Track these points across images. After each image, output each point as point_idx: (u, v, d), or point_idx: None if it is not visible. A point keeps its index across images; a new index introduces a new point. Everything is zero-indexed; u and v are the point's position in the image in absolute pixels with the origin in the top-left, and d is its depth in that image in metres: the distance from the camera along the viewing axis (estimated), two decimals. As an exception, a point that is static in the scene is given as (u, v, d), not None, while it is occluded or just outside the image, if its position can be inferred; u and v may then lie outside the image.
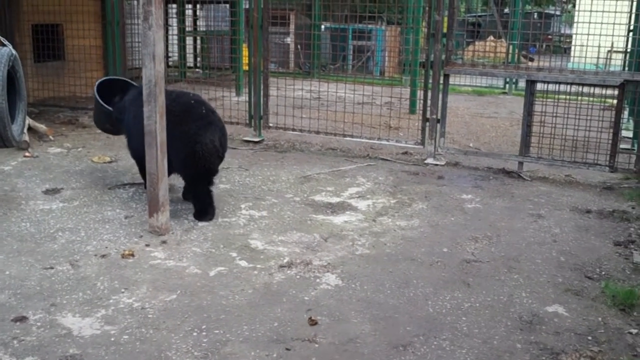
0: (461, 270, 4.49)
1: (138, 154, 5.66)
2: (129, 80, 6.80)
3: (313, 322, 3.67)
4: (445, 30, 7.37)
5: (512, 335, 3.61)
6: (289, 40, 16.71)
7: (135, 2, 12.80)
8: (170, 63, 14.68)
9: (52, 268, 4.37)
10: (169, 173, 5.24)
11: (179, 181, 5.93)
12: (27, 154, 7.43)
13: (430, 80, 7.50)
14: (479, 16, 16.93)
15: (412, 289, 4.18)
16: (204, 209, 5.43)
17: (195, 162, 5.27)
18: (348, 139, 8.26)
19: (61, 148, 7.87)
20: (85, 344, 3.42)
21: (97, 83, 6.52)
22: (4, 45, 5.52)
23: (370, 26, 14.42)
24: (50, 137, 8.33)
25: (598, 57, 9.24)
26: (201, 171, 5.34)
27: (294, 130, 8.47)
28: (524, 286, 4.27)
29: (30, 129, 8.06)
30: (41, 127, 8.43)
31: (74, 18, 10.55)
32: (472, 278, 4.37)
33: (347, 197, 6.14)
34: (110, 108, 6.24)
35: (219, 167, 5.56)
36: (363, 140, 8.21)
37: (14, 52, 5.53)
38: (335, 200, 6.05)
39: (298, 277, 4.32)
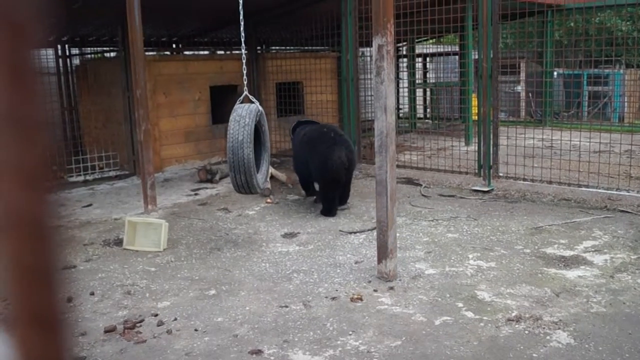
0: None
1: (298, 169, 8.01)
2: (316, 122, 8.79)
3: (543, 382, 3.48)
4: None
5: None
6: (520, 88, 16.31)
7: (368, 59, 13.51)
8: (400, 114, 15.15)
9: (286, 307, 4.71)
10: (311, 180, 7.59)
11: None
12: (268, 200, 8.16)
13: (681, 126, 6.80)
14: None
15: (659, 355, 3.77)
16: (329, 209, 7.26)
17: (325, 172, 7.01)
18: (583, 189, 7.76)
19: (299, 195, 8.51)
20: (316, 380, 3.61)
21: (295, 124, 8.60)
22: (252, 102, 6.19)
23: (607, 70, 13.53)
24: (290, 185, 9.06)
25: None
26: (329, 178, 7.04)
27: (524, 180, 8.19)
28: None
29: (272, 177, 8.86)
30: (282, 175, 9.22)
31: (313, 76, 11.48)
32: None
33: (581, 251, 5.75)
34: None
35: (345, 176, 7.17)
36: (600, 191, 7.64)
37: (260, 108, 6.18)
38: (568, 253, 5.70)
39: (527, 332, 4.13)
